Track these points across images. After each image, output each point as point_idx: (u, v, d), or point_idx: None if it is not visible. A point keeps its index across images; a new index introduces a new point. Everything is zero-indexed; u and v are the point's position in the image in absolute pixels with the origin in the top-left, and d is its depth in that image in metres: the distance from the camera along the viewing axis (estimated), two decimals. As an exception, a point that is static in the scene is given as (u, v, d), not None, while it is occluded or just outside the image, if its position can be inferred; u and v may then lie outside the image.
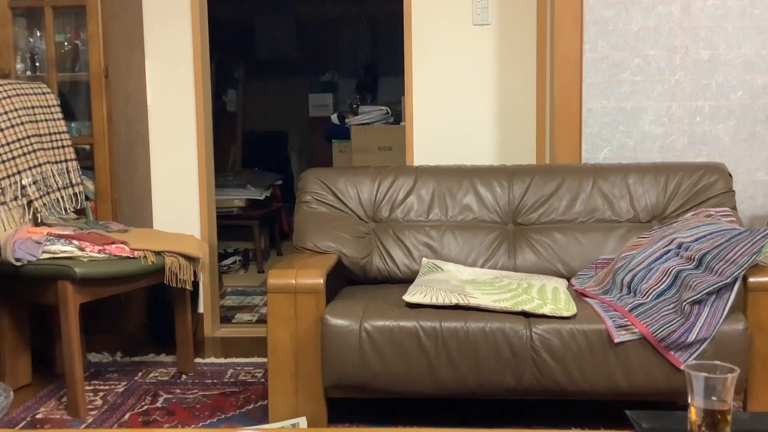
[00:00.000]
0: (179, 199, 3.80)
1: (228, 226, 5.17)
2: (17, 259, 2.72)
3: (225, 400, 2.88)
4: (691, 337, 2.27)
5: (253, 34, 7.27)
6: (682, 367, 2.29)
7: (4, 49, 3.34)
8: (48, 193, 3.09)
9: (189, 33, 3.72)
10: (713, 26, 3.19)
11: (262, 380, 3.08)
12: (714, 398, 1.31)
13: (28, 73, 3.44)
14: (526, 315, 2.40)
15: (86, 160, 3.36)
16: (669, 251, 2.55)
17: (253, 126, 7.11)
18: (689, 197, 2.91)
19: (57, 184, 3.13)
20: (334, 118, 5.78)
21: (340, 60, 7.27)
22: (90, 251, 2.80)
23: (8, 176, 2.94)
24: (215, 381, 3.09)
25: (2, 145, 2.91)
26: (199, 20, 3.71)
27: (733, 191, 2.92)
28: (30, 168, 3.02)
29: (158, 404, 2.85)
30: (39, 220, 3.08)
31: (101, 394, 2.97)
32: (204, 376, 3.16)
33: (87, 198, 3.33)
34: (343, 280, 2.90)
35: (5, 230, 2.89)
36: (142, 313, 3.62)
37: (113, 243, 2.88)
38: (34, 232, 2.85)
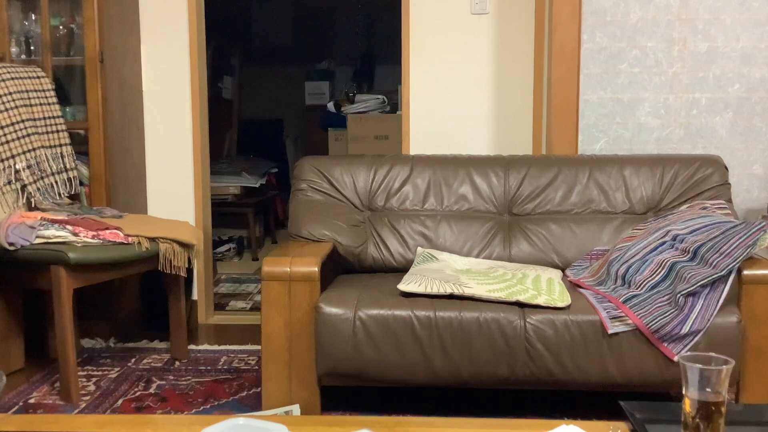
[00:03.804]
0: (174, 186, 3.79)
1: (223, 213, 5.17)
2: (10, 244, 2.71)
3: (218, 387, 2.88)
4: (685, 329, 2.27)
5: (250, 21, 7.24)
6: (676, 359, 2.30)
7: (-2, 32, 3.32)
8: (42, 178, 3.08)
9: (185, 18, 3.70)
10: (711, 18, 3.18)
11: (256, 367, 3.08)
12: (708, 390, 1.31)
13: (23, 56, 3.42)
14: (520, 305, 2.40)
15: (81, 145, 3.35)
16: (664, 243, 2.55)
17: (249, 113, 7.09)
18: (685, 189, 2.91)
19: (51, 169, 3.12)
20: (331, 106, 5.77)
21: (336, 48, 7.24)
22: (84, 237, 2.79)
23: (2, 160, 2.92)
24: (209, 368, 3.09)
25: (-4, 129, 2.90)
26: (195, 6, 3.69)
27: (729, 184, 2.92)
28: (24, 152, 3.01)
29: (151, 390, 2.85)
30: (33, 205, 3.06)
31: (94, 379, 2.97)
32: (197, 362, 3.16)
33: (81, 183, 3.32)
34: (338, 268, 2.90)
35: (-1, 214, 2.87)
36: (136, 299, 3.61)
37: (107, 228, 2.87)
38: (27, 216, 2.83)
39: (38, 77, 3.17)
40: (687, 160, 2.96)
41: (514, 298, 2.39)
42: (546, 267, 2.82)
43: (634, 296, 2.43)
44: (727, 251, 2.33)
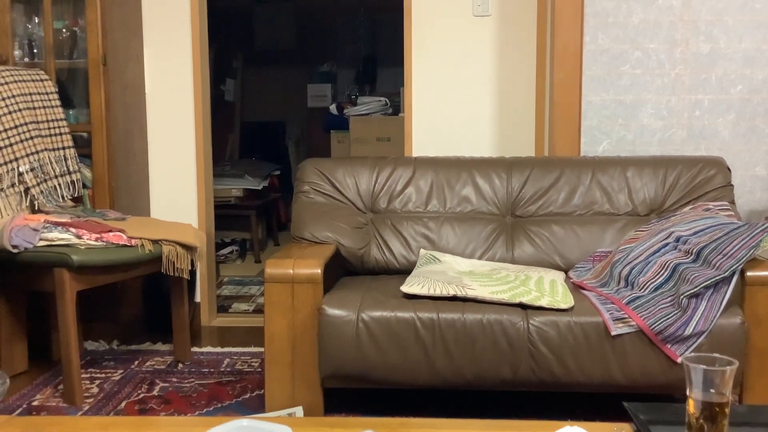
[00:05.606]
0: (177, 188, 3.80)
1: (225, 215, 5.17)
2: (14, 246, 2.71)
3: (221, 389, 2.88)
4: (688, 331, 2.27)
5: (252, 24, 7.25)
6: (679, 360, 2.30)
7: (1, 35, 3.32)
8: (45, 181, 3.08)
9: (188, 21, 3.71)
10: (714, 20, 3.18)
11: (259, 370, 3.08)
12: (712, 391, 1.31)
13: (26, 59, 3.43)
14: (523, 307, 2.40)
15: (84, 148, 3.35)
16: (667, 244, 2.55)
17: (251, 116, 7.10)
18: (688, 191, 2.91)
19: (54, 172, 3.13)
20: (333, 108, 5.77)
21: (339, 50, 7.25)
22: (87, 239, 2.79)
23: (6, 163, 2.93)
24: (212, 370, 3.09)
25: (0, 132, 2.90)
26: (198, 9, 3.70)
27: (732, 185, 2.92)
28: (27, 155, 3.01)
29: (155, 393, 2.85)
30: (36, 208, 3.07)
31: (98, 382, 2.97)
32: (200, 365, 3.16)
33: (84, 186, 3.33)
34: (341, 270, 2.90)
35: (2, 217, 2.88)
36: (139, 301, 3.61)
37: (110, 231, 2.87)
38: (31, 219, 2.84)
39: (41, 80, 3.18)
40: (690, 161, 2.96)
41: (517, 300, 2.39)
42: (549, 269, 2.81)
43: (637, 298, 2.42)
44: (730, 252, 2.33)
